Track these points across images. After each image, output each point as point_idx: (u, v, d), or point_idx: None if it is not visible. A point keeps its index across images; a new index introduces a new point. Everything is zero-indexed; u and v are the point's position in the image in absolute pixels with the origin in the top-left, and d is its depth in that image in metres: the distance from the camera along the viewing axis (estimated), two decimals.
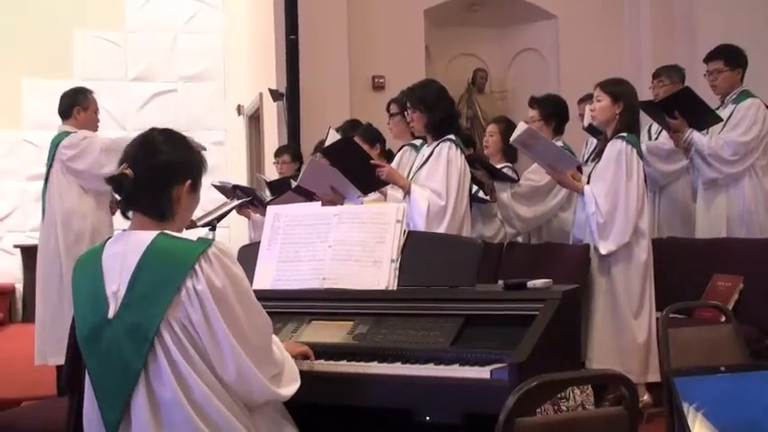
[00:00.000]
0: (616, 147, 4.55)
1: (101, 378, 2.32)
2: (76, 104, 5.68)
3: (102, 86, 5.95)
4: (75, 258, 2.54)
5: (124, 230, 2.42)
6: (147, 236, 2.34)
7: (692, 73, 6.29)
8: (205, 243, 2.31)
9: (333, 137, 5.45)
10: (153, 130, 2.48)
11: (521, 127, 4.77)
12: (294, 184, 5.45)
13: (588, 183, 4.65)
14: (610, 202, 4.51)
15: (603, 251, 4.53)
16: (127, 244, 2.35)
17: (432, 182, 4.55)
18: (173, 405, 2.23)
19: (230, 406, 2.28)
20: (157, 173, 2.38)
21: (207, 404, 2.24)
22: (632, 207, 4.51)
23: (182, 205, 2.42)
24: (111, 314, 2.30)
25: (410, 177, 4.70)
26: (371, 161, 4.66)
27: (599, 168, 4.64)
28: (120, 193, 2.38)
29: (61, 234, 5.48)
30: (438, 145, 4.63)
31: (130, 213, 2.43)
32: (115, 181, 2.36)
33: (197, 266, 2.26)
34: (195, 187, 2.46)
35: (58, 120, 5.77)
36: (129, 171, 2.35)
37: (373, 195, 4.78)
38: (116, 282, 2.32)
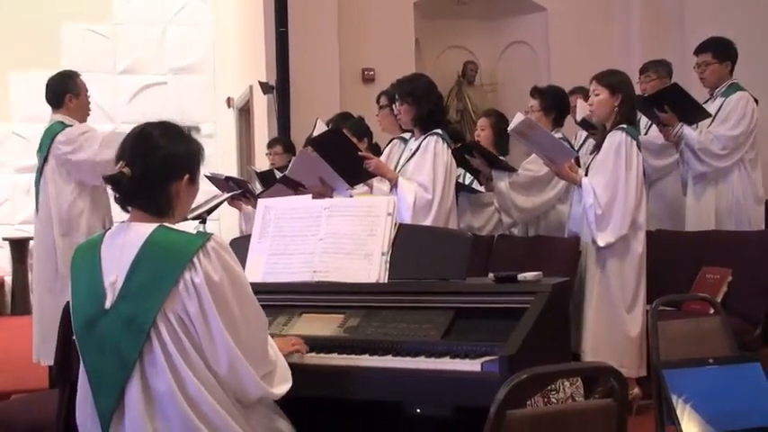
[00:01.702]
0: (616, 138, 4.52)
1: (96, 368, 2.32)
2: (68, 92, 5.43)
3: (91, 79, 5.82)
4: (72, 252, 2.53)
5: (123, 222, 2.42)
6: (147, 228, 2.34)
7: (682, 66, 6.30)
8: (204, 237, 2.32)
9: (320, 128, 5.45)
10: (148, 124, 2.45)
11: (518, 117, 4.76)
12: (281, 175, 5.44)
13: (586, 175, 4.64)
14: (609, 193, 4.48)
15: (602, 243, 4.50)
16: (126, 236, 2.36)
17: (419, 175, 4.56)
18: (166, 397, 2.24)
19: (224, 402, 2.29)
20: (155, 170, 2.37)
21: (200, 398, 2.25)
22: (631, 198, 4.48)
23: (180, 199, 2.42)
24: (108, 305, 2.31)
25: (397, 171, 4.71)
26: (360, 153, 4.67)
27: (598, 160, 4.61)
28: (118, 191, 2.37)
29: (57, 229, 5.34)
30: (425, 139, 4.64)
31: (129, 207, 2.43)
32: (113, 180, 2.35)
33: (195, 259, 2.27)
34: (193, 180, 2.45)
35: (47, 112, 5.55)
36: (126, 170, 2.35)
37: (360, 188, 4.78)
38: (114, 273, 2.33)
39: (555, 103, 5.47)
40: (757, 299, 4.82)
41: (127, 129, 2.55)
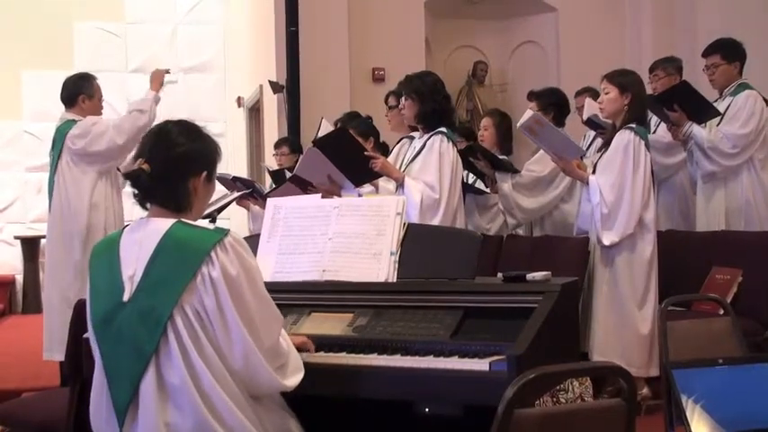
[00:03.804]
0: (624, 137, 4.53)
1: (112, 361, 2.35)
2: (82, 92, 5.57)
3: (103, 78, 5.90)
4: (88, 249, 2.58)
5: (142, 218, 2.45)
6: (165, 223, 2.38)
7: (693, 66, 6.28)
8: (222, 232, 2.36)
9: (325, 128, 5.45)
10: (168, 122, 2.52)
11: (527, 113, 4.80)
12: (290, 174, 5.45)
13: (594, 173, 4.65)
14: (615, 192, 4.50)
15: (606, 242, 4.52)
16: (145, 231, 2.39)
17: (425, 175, 4.56)
18: (180, 390, 2.27)
19: (237, 398, 2.31)
20: (174, 166, 2.41)
21: (213, 393, 2.27)
22: (637, 198, 4.50)
23: (198, 196, 2.46)
24: (125, 297, 2.35)
25: (402, 170, 4.70)
26: (366, 153, 4.66)
27: (605, 159, 4.62)
28: (138, 187, 2.42)
29: (74, 225, 5.41)
30: (430, 138, 4.64)
31: (148, 204, 2.47)
32: (133, 176, 2.40)
33: (213, 254, 2.30)
34: (211, 177, 2.50)
35: (58, 111, 5.68)
36: (146, 166, 2.39)
37: (366, 188, 4.79)
38: (132, 266, 2.36)
39: (552, 100, 5.51)
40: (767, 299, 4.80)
41: None
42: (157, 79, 5.71)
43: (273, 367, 2.37)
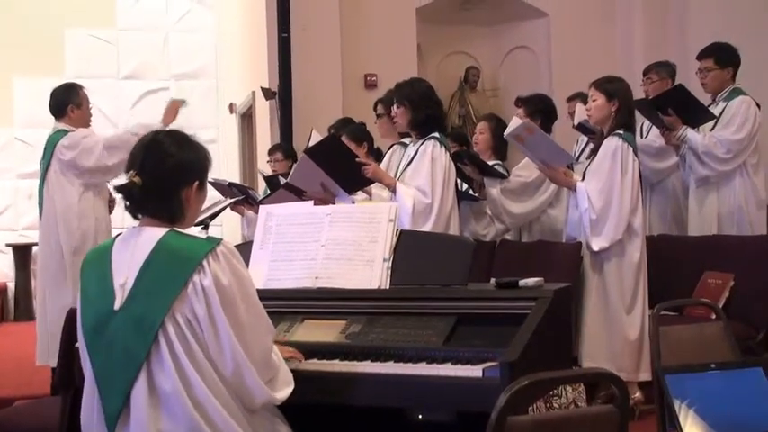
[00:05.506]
0: (612, 144, 4.56)
1: (104, 369, 2.34)
2: (70, 102, 5.59)
3: (94, 85, 5.91)
4: (77, 257, 2.57)
5: (134, 227, 2.45)
6: (158, 232, 2.38)
7: (686, 70, 6.30)
8: (214, 241, 2.37)
9: (315, 138, 5.45)
10: (158, 132, 2.51)
11: (516, 121, 4.80)
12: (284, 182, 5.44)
13: (582, 180, 4.67)
14: (603, 198, 4.52)
15: (596, 248, 4.55)
16: (137, 239, 2.39)
17: (416, 180, 4.57)
18: (172, 397, 2.26)
19: (229, 405, 2.31)
20: (166, 178, 2.41)
21: (205, 400, 2.27)
22: (626, 204, 4.52)
23: (191, 205, 2.46)
24: (117, 305, 2.34)
25: (397, 176, 4.71)
26: (357, 160, 4.67)
27: (594, 165, 4.65)
28: (130, 200, 2.41)
29: (63, 234, 5.44)
30: (422, 143, 4.64)
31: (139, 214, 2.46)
32: (125, 189, 2.39)
33: (205, 262, 2.30)
34: (203, 185, 2.50)
35: (50, 118, 5.69)
36: (137, 179, 2.38)
37: (360, 195, 4.79)
38: (124, 275, 2.36)
39: (539, 107, 5.52)
40: (759, 304, 4.82)
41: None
42: (172, 112, 5.63)
43: (264, 379, 2.36)
